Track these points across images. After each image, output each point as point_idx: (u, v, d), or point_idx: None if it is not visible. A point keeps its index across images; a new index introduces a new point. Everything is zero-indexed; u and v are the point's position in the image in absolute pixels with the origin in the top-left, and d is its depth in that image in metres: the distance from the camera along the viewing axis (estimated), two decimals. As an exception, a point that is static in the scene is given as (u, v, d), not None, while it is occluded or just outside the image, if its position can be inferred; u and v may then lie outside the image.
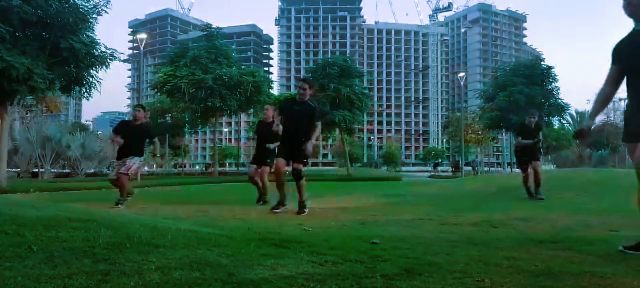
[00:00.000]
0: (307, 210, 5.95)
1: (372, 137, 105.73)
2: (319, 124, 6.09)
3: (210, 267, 2.17)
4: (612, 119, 58.74)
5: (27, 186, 14.17)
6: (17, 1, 12.52)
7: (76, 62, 13.97)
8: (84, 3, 14.24)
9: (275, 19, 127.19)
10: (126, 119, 8.19)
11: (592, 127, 3.37)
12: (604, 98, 3.27)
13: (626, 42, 3.06)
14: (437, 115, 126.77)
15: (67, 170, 32.34)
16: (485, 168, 56.24)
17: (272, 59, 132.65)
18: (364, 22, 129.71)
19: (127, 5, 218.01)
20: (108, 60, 14.83)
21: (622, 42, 3.09)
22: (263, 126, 7.73)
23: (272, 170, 6.79)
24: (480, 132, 50.57)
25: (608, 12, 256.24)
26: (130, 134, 7.25)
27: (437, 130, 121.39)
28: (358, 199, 8.84)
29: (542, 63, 35.83)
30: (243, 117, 69.15)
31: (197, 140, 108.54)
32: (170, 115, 44.15)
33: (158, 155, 8.87)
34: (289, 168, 6.16)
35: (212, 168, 40.86)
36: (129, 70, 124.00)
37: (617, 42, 3.13)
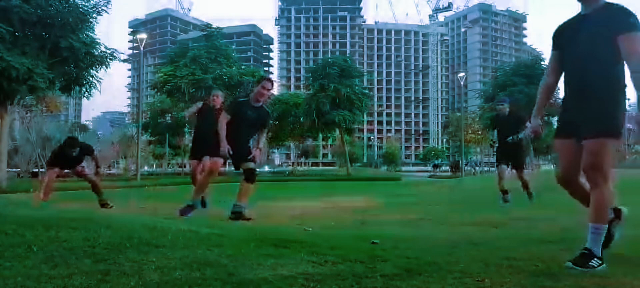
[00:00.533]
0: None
1: (372, 137, 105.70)
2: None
3: (210, 267, 2.17)
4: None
5: (27, 186, 14.16)
6: (17, 1, 12.53)
7: (76, 62, 13.99)
8: (84, 3, 14.27)
9: (275, 19, 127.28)
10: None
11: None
12: (546, 89, 2.95)
13: (567, 26, 2.78)
14: (437, 115, 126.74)
15: (67, 170, 32.33)
16: (486, 168, 56.23)
17: (272, 59, 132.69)
18: (364, 22, 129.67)
19: (127, 5, 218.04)
20: (108, 60, 14.86)
21: (563, 25, 2.81)
22: (207, 112, 6.65)
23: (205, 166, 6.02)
24: (480, 132, 50.56)
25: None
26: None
27: (437, 130, 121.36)
28: (358, 199, 8.84)
29: (542, 63, 35.82)
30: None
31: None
32: (170, 115, 44.15)
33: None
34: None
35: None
36: (129, 70, 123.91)
37: (559, 25, 2.84)
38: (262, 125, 5.40)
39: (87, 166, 7.63)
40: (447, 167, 67.79)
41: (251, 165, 5.25)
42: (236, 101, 5.86)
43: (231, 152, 5.12)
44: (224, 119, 5.08)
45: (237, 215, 5.05)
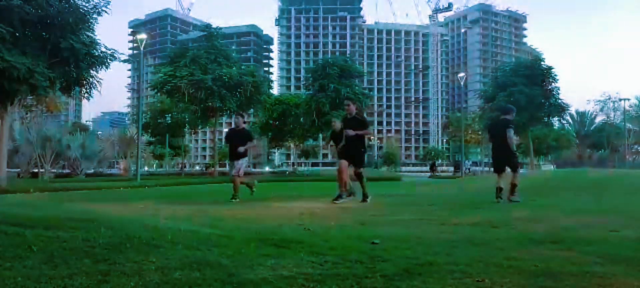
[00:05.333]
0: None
1: (372, 137, 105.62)
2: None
3: (211, 267, 2.17)
4: (612, 118, 58.80)
5: (27, 186, 14.16)
6: (17, 1, 12.53)
7: (76, 62, 13.99)
8: (84, 3, 14.26)
9: (275, 19, 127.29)
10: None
11: None
12: None
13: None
14: (437, 115, 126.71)
15: (67, 171, 32.32)
16: (487, 169, 56.22)
17: (272, 59, 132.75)
18: (364, 22, 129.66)
19: (127, 5, 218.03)
20: (108, 61, 14.86)
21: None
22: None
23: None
24: (480, 132, 50.54)
25: (609, 12, 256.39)
26: (236, 139, 8.74)
27: (437, 130, 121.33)
28: (358, 199, 8.83)
29: (542, 63, 35.82)
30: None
31: (197, 140, 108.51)
32: (170, 115, 44.18)
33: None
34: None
35: (212, 169, 40.85)
36: (129, 70, 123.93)
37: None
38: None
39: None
40: (447, 167, 67.88)
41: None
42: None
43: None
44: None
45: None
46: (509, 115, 7.96)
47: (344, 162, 7.70)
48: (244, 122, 9.27)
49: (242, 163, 8.72)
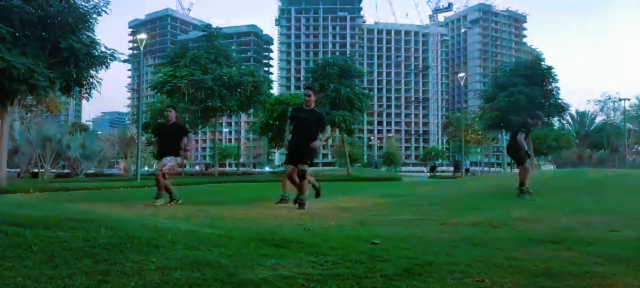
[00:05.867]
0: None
1: (372, 137, 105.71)
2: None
3: (211, 267, 2.17)
4: (612, 118, 58.80)
5: (27, 186, 14.16)
6: (17, 1, 12.52)
7: (76, 62, 13.96)
8: (83, 3, 14.25)
9: (275, 19, 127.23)
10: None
11: None
12: None
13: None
14: (437, 115, 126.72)
15: (67, 170, 32.33)
16: (486, 169, 56.24)
17: (272, 59, 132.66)
18: (364, 22, 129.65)
19: (127, 5, 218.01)
20: (108, 61, 14.84)
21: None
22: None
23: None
24: (480, 132, 50.55)
25: (609, 12, 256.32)
26: (166, 134, 7.90)
27: (437, 130, 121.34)
28: (358, 199, 8.83)
29: (542, 63, 35.79)
30: (243, 117, 69.12)
31: (197, 140, 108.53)
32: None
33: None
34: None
35: (212, 168, 40.84)
36: (129, 70, 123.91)
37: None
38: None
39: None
40: (447, 168, 67.86)
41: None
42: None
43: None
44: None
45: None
46: (530, 120, 8.77)
47: (292, 168, 6.84)
48: (176, 117, 8.20)
49: (170, 161, 7.68)
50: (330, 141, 68.07)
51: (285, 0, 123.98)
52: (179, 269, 2.11)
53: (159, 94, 36.23)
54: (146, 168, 54.66)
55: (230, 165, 74.61)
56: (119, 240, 2.57)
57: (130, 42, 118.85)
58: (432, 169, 47.22)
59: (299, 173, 6.72)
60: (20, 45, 13.01)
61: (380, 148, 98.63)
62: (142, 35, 28.80)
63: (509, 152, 9.12)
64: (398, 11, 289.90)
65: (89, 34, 14.46)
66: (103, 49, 14.69)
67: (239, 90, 31.66)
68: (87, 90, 15.43)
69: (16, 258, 2.14)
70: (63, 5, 13.72)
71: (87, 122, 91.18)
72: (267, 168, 68.81)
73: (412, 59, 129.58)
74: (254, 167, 68.96)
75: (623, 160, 50.56)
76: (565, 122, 53.31)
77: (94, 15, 14.48)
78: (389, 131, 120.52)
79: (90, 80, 15.17)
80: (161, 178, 7.49)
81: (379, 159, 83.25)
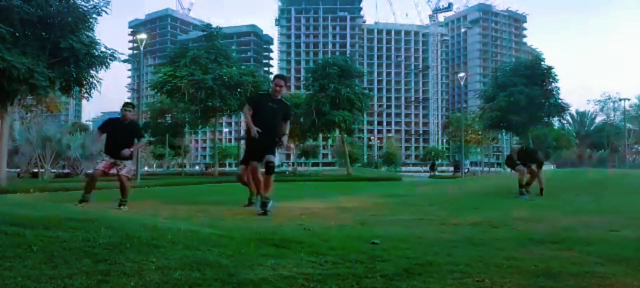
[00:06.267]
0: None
1: (372, 137, 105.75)
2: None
3: (211, 267, 2.17)
4: (612, 118, 58.78)
5: (27, 186, 14.15)
6: (17, 1, 12.52)
7: (76, 62, 13.95)
8: (83, 3, 14.24)
9: (275, 19, 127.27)
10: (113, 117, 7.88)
11: None
12: None
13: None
14: (437, 115, 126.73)
15: (67, 171, 32.31)
16: (486, 169, 56.23)
17: (272, 59, 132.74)
18: (364, 22, 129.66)
19: (127, 5, 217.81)
20: (108, 61, 14.82)
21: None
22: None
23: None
24: (480, 132, 50.52)
25: (609, 12, 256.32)
26: (119, 133, 7.06)
27: (437, 130, 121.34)
28: (358, 199, 8.84)
29: (542, 63, 35.78)
30: (243, 117, 69.07)
31: (197, 140, 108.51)
32: (170, 115, 44.15)
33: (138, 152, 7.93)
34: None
35: (212, 168, 40.82)
36: (129, 70, 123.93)
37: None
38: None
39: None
40: (447, 168, 67.84)
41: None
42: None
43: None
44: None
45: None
46: (535, 151, 10.25)
47: (256, 164, 6.20)
48: (136, 115, 7.36)
49: (128, 165, 7.12)
50: (330, 141, 68.03)
51: (285, 0, 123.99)
52: (179, 269, 2.11)
53: (159, 94, 36.24)
54: (146, 168, 54.70)
55: (230, 165, 74.65)
56: (119, 240, 2.57)
57: (130, 42, 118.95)
58: (432, 167, 47.14)
59: (267, 167, 5.97)
60: (20, 45, 13.00)
61: (380, 148, 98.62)
62: (142, 35, 28.74)
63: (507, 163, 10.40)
64: (398, 11, 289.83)
65: (89, 34, 14.45)
66: (103, 49, 14.68)
67: (239, 90, 31.65)
68: (87, 90, 15.42)
69: (16, 258, 2.14)
70: (63, 5, 13.71)
71: (87, 122, 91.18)
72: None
73: (412, 59, 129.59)
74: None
75: (623, 160, 50.52)
76: (565, 122, 53.30)
77: (94, 15, 14.47)
78: (389, 131, 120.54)
79: (90, 80, 15.16)
80: (96, 178, 7.10)
81: (379, 159, 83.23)
